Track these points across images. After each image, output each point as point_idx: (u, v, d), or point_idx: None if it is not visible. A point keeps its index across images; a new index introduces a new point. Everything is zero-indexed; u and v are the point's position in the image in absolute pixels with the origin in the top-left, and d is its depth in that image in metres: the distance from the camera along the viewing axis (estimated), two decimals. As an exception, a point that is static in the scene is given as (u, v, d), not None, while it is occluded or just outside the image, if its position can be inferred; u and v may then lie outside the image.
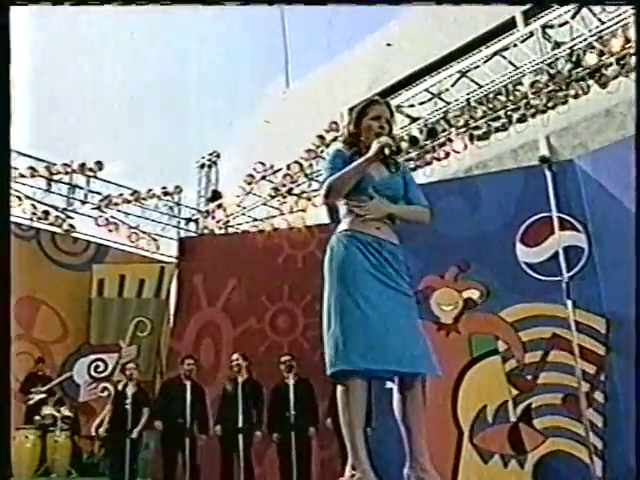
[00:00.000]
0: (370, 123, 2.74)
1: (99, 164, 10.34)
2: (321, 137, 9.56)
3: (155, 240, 11.08)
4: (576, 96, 7.02)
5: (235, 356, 7.21)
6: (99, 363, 9.70)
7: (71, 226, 10.36)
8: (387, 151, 2.62)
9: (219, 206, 11.05)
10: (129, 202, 10.67)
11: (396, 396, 2.58)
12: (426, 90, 8.73)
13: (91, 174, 10.33)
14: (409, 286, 2.64)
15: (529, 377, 5.54)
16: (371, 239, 2.59)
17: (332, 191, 2.62)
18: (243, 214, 10.77)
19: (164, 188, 11.09)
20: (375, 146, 2.62)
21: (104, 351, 9.75)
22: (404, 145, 8.49)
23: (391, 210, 2.66)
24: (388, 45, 13.19)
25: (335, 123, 9.52)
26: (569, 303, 5.38)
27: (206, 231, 11.11)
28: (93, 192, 10.44)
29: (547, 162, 6.05)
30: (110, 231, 10.61)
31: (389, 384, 2.66)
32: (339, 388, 2.50)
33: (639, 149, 2.39)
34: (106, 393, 8.91)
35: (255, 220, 10.80)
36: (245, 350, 7.42)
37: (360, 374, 2.46)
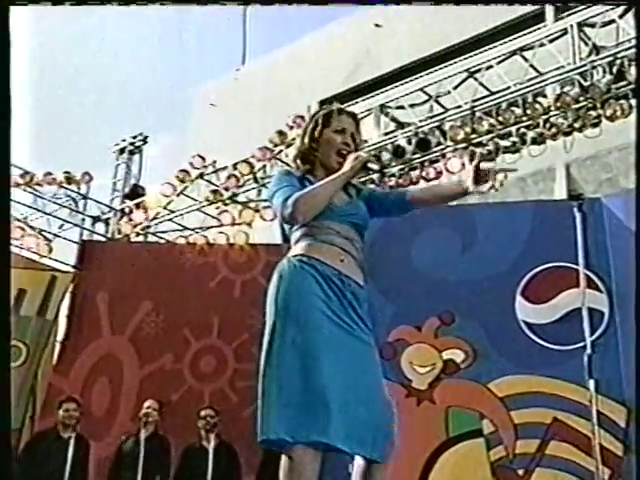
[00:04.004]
0: (331, 136, 2.79)
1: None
2: (281, 133, 9.45)
3: (48, 240, 10.75)
4: (612, 117, 6.98)
5: (147, 403, 7.10)
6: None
7: None
8: (375, 167, 2.74)
9: (139, 205, 10.79)
10: (17, 186, 10.33)
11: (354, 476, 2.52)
12: (421, 89, 8.75)
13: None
14: (373, 337, 2.63)
15: (520, 472, 5.51)
16: (333, 273, 2.57)
17: (300, 208, 2.59)
18: (170, 219, 10.55)
19: (67, 173, 10.78)
20: (353, 162, 2.67)
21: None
22: (386, 156, 8.42)
23: None
24: (377, 26, 13.24)
25: (301, 117, 9.41)
26: (591, 384, 5.32)
27: (118, 236, 10.83)
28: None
29: (578, 200, 6.03)
30: (-12, 222, 10.25)
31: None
32: (282, 458, 2.40)
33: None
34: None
35: (185, 229, 10.59)
36: (152, 396, 7.29)
37: (309, 443, 2.37)
